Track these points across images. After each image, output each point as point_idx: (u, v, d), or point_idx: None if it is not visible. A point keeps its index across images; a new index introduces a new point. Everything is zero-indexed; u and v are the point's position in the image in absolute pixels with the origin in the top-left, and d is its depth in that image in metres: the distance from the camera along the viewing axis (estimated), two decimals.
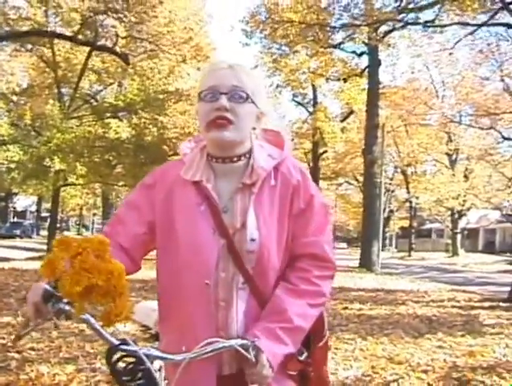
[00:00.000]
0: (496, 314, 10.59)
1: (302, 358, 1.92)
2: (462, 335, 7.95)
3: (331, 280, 2.00)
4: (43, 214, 64.83)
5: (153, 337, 2.39)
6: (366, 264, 24.08)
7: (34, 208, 69.42)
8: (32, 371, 4.95)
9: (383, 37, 23.57)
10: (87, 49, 23.71)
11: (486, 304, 12.30)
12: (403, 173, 49.11)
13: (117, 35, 19.73)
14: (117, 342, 1.70)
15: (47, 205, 62.59)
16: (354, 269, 23.46)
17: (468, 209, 48.31)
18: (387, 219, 60.44)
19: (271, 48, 27.39)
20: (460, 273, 26.33)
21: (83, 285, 1.58)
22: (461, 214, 50.32)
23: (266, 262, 1.90)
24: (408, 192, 49.58)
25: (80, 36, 22.84)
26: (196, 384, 1.85)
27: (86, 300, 1.61)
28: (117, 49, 19.91)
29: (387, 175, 51.55)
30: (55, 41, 24.62)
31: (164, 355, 1.76)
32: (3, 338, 6.00)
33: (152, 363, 1.70)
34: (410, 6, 23.93)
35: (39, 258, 18.97)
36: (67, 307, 1.70)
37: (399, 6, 23.77)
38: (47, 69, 28.19)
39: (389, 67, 29.08)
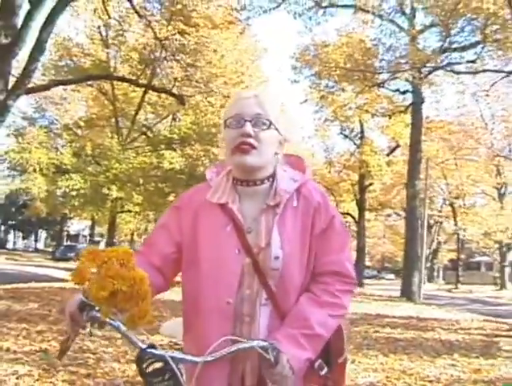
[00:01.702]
0: None
1: (323, 373, 1.99)
2: (476, 357, 8.80)
3: (351, 294, 2.10)
4: (96, 238, 66.41)
5: (181, 350, 2.42)
6: (407, 294, 24.57)
7: (86, 232, 70.79)
8: (106, 367, 6.14)
9: (426, 76, 24.34)
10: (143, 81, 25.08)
11: None
12: (451, 205, 49.11)
13: (175, 79, 20.99)
14: (144, 346, 1.84)
15: (99, 229, 64.36)
16: (395, 299, 24.09)
17: None
18: (435, 251, 60.51)
19: (319, 85, 28.26)
20: (503, 306, 26.29)
21: (108, 290, 1.72)
22: (510, 247, 50.16)
23: (288, 279, 1.99)
24: (456, 224, 49.53)
25: (138, 72, 24.33)
26: None
27: (112, 304, 1.74)
28: (174, 90, 21.12)
29: (436, 207, 51.81)
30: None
31: (188, 357, 1.88)
32: (82, 340, 7.22)
33: (178, 365, 1.81)
34: (454, 46, 24.74)
35: None
36: (99, 314, 1.85)
37: (442, 46, 24.58)
38: (106, 102, 29.76)
39: (433, 104, 29.54)
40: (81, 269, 1.76)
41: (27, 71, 12.94)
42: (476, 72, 23.19)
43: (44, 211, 43.22)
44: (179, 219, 2.13)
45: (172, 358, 1.80)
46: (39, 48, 12.94)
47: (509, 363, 8.39)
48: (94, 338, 7.54)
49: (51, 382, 5.36)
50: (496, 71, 21.81)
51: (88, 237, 68.14)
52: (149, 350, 1.82)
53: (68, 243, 62.10)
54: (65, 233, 67.82)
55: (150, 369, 1.81)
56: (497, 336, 12.12)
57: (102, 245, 73.31)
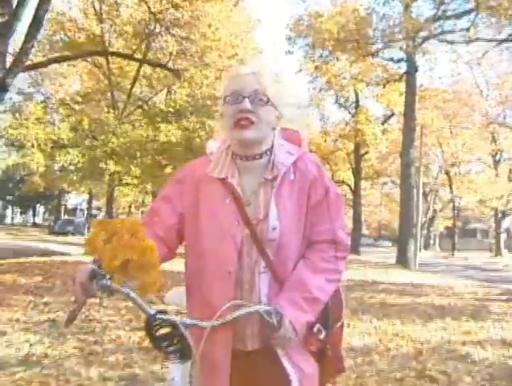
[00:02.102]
0: (508, 305, 11.68)
1: (321, 337, 2.10)
2: (466, 320, 9.13)
3: (345, 259, 2.21)
4: (93, 211, 66.60)
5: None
6: (402, 261, 24.93)
7: (84, 206, 70.85)
8: (112, 334, 6.45)
9: (420, 44, 24.45)
10: (139, 55, 25.10)
11: (504, 297, 13.35)
12: (447, 173, 49.33)
13: (170, 53, 21.09)
14: (153, 312, 1.92)
15: (96, 203, 64.54)
16: (390, 266, 24.47)
17: None
18: (431, 219, 60.93)
19: (313, 55, 28.29)
20: (497, 272, 26.41)
21: (120, 259, 1.81)
22: (505, 214, 50.51)
23: (285, 248, 2.09)
24: (451, 192, 49.82)
25: (133, 46, 24.39)
26: (214, 355, 2.05)
27: (124, 273, 1.82)
28: (169, 64, 21.24)
29: (432, 175, 52.09)
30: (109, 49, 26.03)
31: (196, 322, 1.97)
32: (88, 310, 7.54)
33: (186, 330, 1.91)
34: (447, 14, 24.78)
35: None
36: (109, 283, 1.90)
37: (436, 14, 24.64)
38: (101, 76, 29.77)
39: (427, 72, 29.62)
40: (93, 240, 1.87)
41: (25, 50, 13.01)
42: (468, 41, 23.31)
43: (42, 186, 43.38)
44: (181, 191, 2.21)
45: (181, 323, 1.91)
46: (35, 26, 12.99)
47: (498, 325, 8.74)
48: (99, 308, 7.85)
49: (61, 348, 5.66)
50: (488, 39, 21.96)
51: (85, 211, 68.16)
52: (158, 315, 1.91)
53: (66, 217, 62.06)
54: (63, 207, 67.85)
55: (158, 334, 1.90)
56: (488, 300, 12.47)
57: (100, 218, 73.79)
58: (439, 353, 6.49)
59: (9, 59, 13.63)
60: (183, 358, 1.95)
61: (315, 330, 2.08)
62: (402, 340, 7.15)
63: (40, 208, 75.97)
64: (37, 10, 12.92)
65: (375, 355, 6.24)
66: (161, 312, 1.92)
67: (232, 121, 2.08)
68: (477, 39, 22.93)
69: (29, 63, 14.80)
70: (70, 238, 39.08)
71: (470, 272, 26.24)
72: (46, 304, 8.42)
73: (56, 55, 22.27)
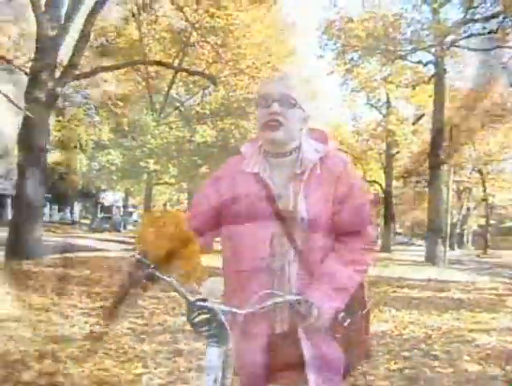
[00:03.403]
0: None
1: (346, 324, 2.19)
2: (480, 312, 9.88)
3: (371, 251, 2.37)
4: (129, 209, 67.77)
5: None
6: (431, 259, 25.44)
7: (120, 203, 71.78)
8: (159, 319, 7.42)
9: (448, 48, 24.96)
10: (176, 61, 26.09)
11: None
12: (479, 171, 49.39)
13: (206, 61, 22.04)
14: (194, 299, 2.05)
15: (132, 201, 65.67)
16: (419, 264, 25.08)
17: None
18: (465, 217, 61.06)
19: (344, 58, 28.85)
20: None
21: (165, 249, 1.96)
22: None
23: (313, 238, 2.23)
24: (484, 190, 49.90)
25: (170, 52, 25.37)
26: (251, 339, 2.24)
27: (167, 262, 1.98)
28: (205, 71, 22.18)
29: (465, 174, 52.17)
30: (147, 54, 27.00)
31: (232, 309, 2.08)
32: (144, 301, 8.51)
33: (223, 316, 2.04)
34: (476, 17, 25.21)
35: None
36: (155, 272, 2.05)
37: (464, 17, 25.10)
38: (139, 78, 30.78)
39: (456, 74, 30.01)
40: (143, 233, 2.12)
41: (74, 62, 13.97)
42: (490, 49, 23.74)
43: (80, 184, 44.53)
44: (218, 187, 2.39)
45: (219, 309, 2.05)
46: (83, 39, 13.97)
47: (510, 317, 9.48)
48: (145, 298, 8.78)
49: (117, 329, 6.61)
50: (509, 47, 22.42)
51: (121, 208, 69.15)
52: (198, 303, 2.05)
53: (103, 214, 62.96)
54: (100, 205, 69.03)
55: (197, 320, 2.04)
56: (507, 295, 13.10)
57: (135, 216, 74.87)
58: (447, 337, 7.29)
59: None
60: (220, 342, 2.09)
61: (339, 317, 2.18)
62: (416, 327, 7.98)
63: (77, 206, 77.21)
64: (85, 25, 13.88)
65: (389, 338, 7.05)
66: (201, 299, 2.06)
67: (262, 123, 2.29)
68: (498, 47, 23.38)
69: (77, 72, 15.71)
70: (108, 235, 39.98)
71: (499, 270, 26.44)
72: (97, 293, 9.39)
73: (102, 64, 23.26)
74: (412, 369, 5.59)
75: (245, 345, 2.27)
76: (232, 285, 2.37)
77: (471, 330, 7.91)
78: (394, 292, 12.52)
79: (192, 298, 2.06)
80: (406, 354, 6.25)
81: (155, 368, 5.09)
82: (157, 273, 2.07)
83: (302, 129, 2.35)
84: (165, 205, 62.74)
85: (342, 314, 2.18)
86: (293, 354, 2.24)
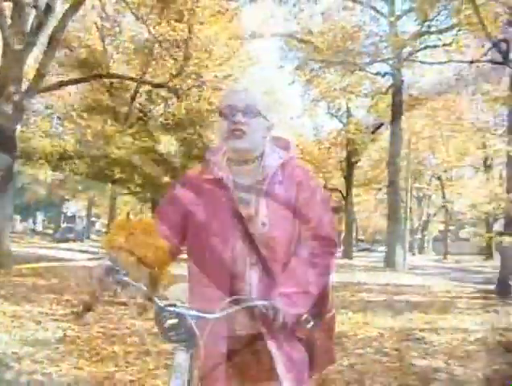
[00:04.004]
0: (473, 301, 13.03)
1: (309, 326, 2.22)
2: (431, 313, 10.49)
3: (333, 255, 2.39)
4: (93, 218, 67.63)
5: None
6: (391, 264, 26.08)
7: (83, 213, 71.47)
8: (127, 323, 7.84)
9: (405, 60, 25.77)
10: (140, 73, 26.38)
11: (474, 295, 14.71)
12: (439, 178, 50.36)
13: (170, 74, 22.40)
14: (163, 304, 2.07)
15: (95, 211, 65.48)
16: (379, 269, 25.69)
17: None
18: (425, 223, 62.20)
19: (305, 69, 29.46)
20: (484, 274, 26.74)
21: (135, 256, 1.98)
22: (496, 218, 51.42)
23: (274, 243, 2.26)
24: (444, 197, 50.91)
25: (133, 62, 25.64)
26: (214, 340, 2.18)
27: (138, 269, 2.00)
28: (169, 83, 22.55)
29: (425, 180, 53.16)
30: (110, 65, 27.24)
31: (201, 314, 2.08)
32: (103, 306, 8.89)
33: (192, 321, 2.05)
34: (431, 29, 26.07)
35: (100, 258, 21.68)
36: (124, 277, 2.06)
37: (420, 29, 25.91)
38: (101, 88, 30.87)
39: (415, 83, 30.88)
40: (112, 239, 2.11)
41: (40, 74, 14.28)
42: (443, 62, 24.61)
43: (43, 194, 44.41)
44: (184, 193, 2.42)
45: (188, 315, 2.07)
46: (49, 54, 14.29)
47: (458, 317, 10.11)
48: (113, 305, 9.16)
49: (88, 333, 7.01)
50: (460, 61, 23.34)
51: (84, 218, 68.88)
52: (167, 308, 2.08)
53: (66, 224, 62.64)
54: (62, 215, 68.65)
55: (166, 324, 2.07)
56: (458, 298, 13.79)
57: (98, 226, 74.59)
58: (398, 336, 7.84)
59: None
60: (188, 346, 2.12)
61: (302, 319, 2.21)
62: (370, 328, 8.51)
63: (40, 216, 76.63)
64: (51, 40, 14.20)
65: (344, 338, 7.55)
66: (170, 305, 2.09)
67: (227, 132, 2.31)
68: (449, 61, 24.27)
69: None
70: (72, 244, 39.93)
71: (456, 274, 27.16)
72: (67, 301, 9.75)
73: (64, 74, 23.47)
74: (363, 364, 6.11)
75: (211, 347, 2.20)
76: (196, 289, 2.39)
77: (421, 330, 8.48)
78: (353, 296, 13.07)
79: (161, 304, 2.10)
80: (358, 351, 6.77)
81: (126, 367, 5.51)
82: (127, 280, 2.10)
83: (265, 138, 2.40)
84: (128, 214, 62.53)
85: (305, 316, 2.21)
86: (256, 356, 2.28)
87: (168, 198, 2.51)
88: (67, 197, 49.27)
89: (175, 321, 2.06)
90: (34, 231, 65.44)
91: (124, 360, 5.73)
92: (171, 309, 2.07)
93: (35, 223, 73.27)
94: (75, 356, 5.81)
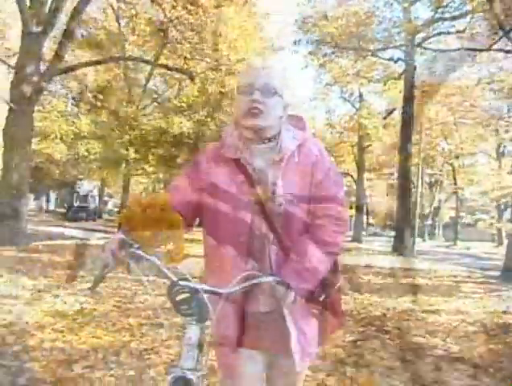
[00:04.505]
0: (478, 286, 13.32)
1: (321, 299, 2.32)
2: (435, 296, 10.76)
3: (344, 234, 2.44)
4: (105, 198, 68.07)
5: None
6: (399, 249, 26.21)
7: (95, 193, 71.84)
8: (141, 298, 8.20)
9: (418, 45, 25.89)
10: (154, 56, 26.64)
11: (480, 280, 14.99)
12: (451, 165, 50.36)
13: (184, 57, 22.65)
14: (176, 278, 2.10)
15: (108, 190, 65.93)
16: (388, 253, 26.06)
17: None
18: (436, 209, 62.28)
19: (318, 53, 29.56)
20: (492, 261, 26.50)
21: (151, 230, 2.06)
22: (507, 205, 51.46)
23: (291, 222, 2.30)
24: (455, 183, 50.93)
25: (148, 45, 25.94)
26: (227, 318, 2.29)
27: (153, 243, 2.08)
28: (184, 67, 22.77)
29: (437, 166, 53.14)
30: (126, 47, 27.55)
31: (214, 289, 2.13)
32: (117, 282, 9.24)
33: (205, 295, 2.09)
34: (445, 15, 26.11)
35: None
36: (137, 251, 2.11)
37: (434, 16, 25.98)
38: (117, 70, 31.20)
39: (427, 70, 30.88)
40: (129, 213, 2.19)
41: (59, 56, 14.58)
42: (454, 50, 24.67)
43: (57, 173, 44.76)
44: (198, 171, 2.45)
45: (201, 289, 2.09)
46: (68, 36, 14.59)
47: (460, 301, 10.40)
48: (126, 281, 9.53)
49: (105, 308, 7.39)
50: (472, 49, 23.33)
51: (96, 198, 69.25)
52: (181, 282, 2.10)
53: (79, 204, 62.95)
54: (75, 194, 69.06)
55: (178, 298, 2.09)
56: (463, 282, 14.07)
57: (110, 205, 75.13)
58: (400, 316, 8.17)
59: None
60: (200, 320, 2.14)
61: (315, 293, 2.30)
62: (374, 308, 8.84)
63: (53, 195, 77.07)
64: (69, 22, 14.52)
65: (348, 317, 7.86)
66: (183, 279, 2.11)
67: (244, 110, 2.33)
68: (459, 49, 24.32)
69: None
70: (84, 224, 40.35)
71: (465, 260, 27.45)
72: (82, 276, 10.13)
73: (81, 55, 23.79)
74: (364, 341, 6.44)
75: (226, 321, 2.32)
76: (212, 265, 2.44)
77: (423, 311, 8.78)
78: (359, 278, 13.36)
79: (174, 278, 2.12)
80: (361, 329, 7.10)
81: (141, 337, 5.88)
82: (141, 253, 2.15)
83: (282, 117, 2.41)
84: (141, 194, 62.89)
85: (317, 289, 2.30)
86: (275, 331, 2.37)
87: (183, 173, 2.57)
88: (80, 176, 49.59)
89: (187, 295, 2.09)
90: (47, 209, 66.01)
91: (138, 331, 6.09)
92: (184, 283, 2.10)
93: (48, 201, 73.80)
94: (92, 327, 6.18)
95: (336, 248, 2.38)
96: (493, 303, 10.29)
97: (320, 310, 2.39)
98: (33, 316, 6.53)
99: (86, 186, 71.78)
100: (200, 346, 2.15)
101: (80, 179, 56.48)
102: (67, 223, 37.95)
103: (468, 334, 7.13)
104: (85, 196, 75.27)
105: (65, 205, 63.96)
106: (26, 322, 6.18)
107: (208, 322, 2.16)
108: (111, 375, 4.61)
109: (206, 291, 2.10)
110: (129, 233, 2.21)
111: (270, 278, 2.17)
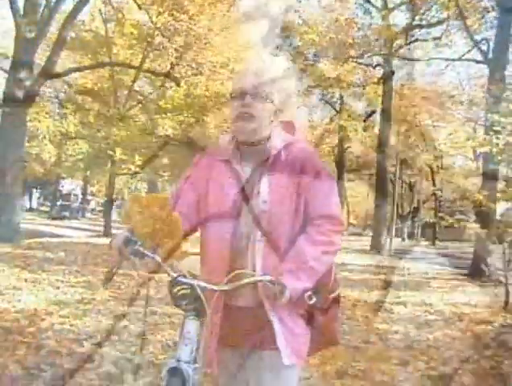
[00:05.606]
0: (446, 282, 14.24)
1: (311, 302, 2.26)
2: (404, 290, 11.66)
3: (340, 233, 2.43)
4: (88, 197, 68.33)
5: None
6: (376, 247, 27.06)
7: (78, 191, 71.94)
8: (134, 290, 8.98)
9: (396, 51, 26.84)
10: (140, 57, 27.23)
11: (448, 277, 15.89)
12: (429, 166, 51.17)
13: (171, 63, 23.30)
14: (176, 275, 2.19)
15: (91, 189, 66.09)
16: (364, 251, 26.76)
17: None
18: (416, 210, 63.14)
19: (299, 58, 30.26)
20: (466, 260, 27.85)
21: (150, 228, 2.13)
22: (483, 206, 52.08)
23: (276, 219, 2.34)
24: (434, 184, 51.72)
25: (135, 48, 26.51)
26: (214, 310, 2.31)
27: (152, 240, 2.15)
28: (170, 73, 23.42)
29: (417, 167, 53.90)
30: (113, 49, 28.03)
31: (209, 286, 2.21)
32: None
33: (202, 292, 2.17)
34: (422, 23, 27.09)
35: (98, 236, 22.91)
36: (141, 248, 2.20)
37: (411, 23, 26.95)
38: (102, 71, 31.59)
39: (405, 74, 31.83)
40: (129, 212, 2.22)
41: (51, 62, 15.26)
42: (428, 59, 25.70)
43: (40, 172, 45.02)
44: (197, 172, 2.55)
45: (198, 285, 2.16)
46: (60, 43, 15.27)
47: (427, 295, 11.27)
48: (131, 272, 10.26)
49: (101, 296, 8.18)
50: (444, 58, 24.44)
51: (79, 196, 69.38)
52: (180, 278, 2.18)
53: (62, 202, 63.06)
54: (58, 193, 69.12)
55: (178, 294, 2.18)
56: (434, 279, 14.93)
57: (93, 204, 75.22)
58: (369, 307, 9.04)
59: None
60: (198, 315, 2.22)
61: (306, 295, 2.24)
62: (345, 300, 9.64)
63: (35, 193, 76.97)
64: (62, 29, 15.19)
65: None
66: (182, 275, 2.20)
67: (235, 114, 2.41)
68: (430, 59, 25.44)
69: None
70: (67, 222, 40.79)
71: (440, 259, 27.92)
72: (77, 271, 10.90)
73: (69, 57, 24.38)
74: None
75: (219, 317, 2.35)
76: (205, 264, 2.50)
77: (391, 303, 9.65)
78: (336, 274, 14.11)
79: (174, 274, 2.21)
80: None
81: (137, 322, 6.67)
82: (143, 250, 2.23)
83: (273, 122, 2.47)
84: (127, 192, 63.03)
85: (309, 293, 2.24)
86: (258, 326, 2.33)
87: (185, 176, 2.62)
88: (63, 175, 49.85)
89: (186, 291, 2.19)
90: (30, 208, 66.12)
91: (135, 317, 6.87)
92: (183, 279, 2.20)
93: (30, 200, 73.80)
94: (94, 313, 6.98)
95: (333, 247, 2.39)
96: (456, 296, 11.17)
97: (309, 313, 2.39)
98: (39, 304, 7.33)
99: (69, 184, 71.81)
100: (197, 340, 2.23)
101: (63, 178, 56.64)
102: (51, 222, 38.42)
103: (428, 323, 7.99)
104: (68, 195, 75.23)
105: (48, 203, 63.95)
106: (35, 309, 6.97)
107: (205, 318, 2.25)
108: (117, 350, 5.41)
109: (202, 288, 2.19)
110: (132, 230, 2.29)
111: (267, 277, 2.20)
